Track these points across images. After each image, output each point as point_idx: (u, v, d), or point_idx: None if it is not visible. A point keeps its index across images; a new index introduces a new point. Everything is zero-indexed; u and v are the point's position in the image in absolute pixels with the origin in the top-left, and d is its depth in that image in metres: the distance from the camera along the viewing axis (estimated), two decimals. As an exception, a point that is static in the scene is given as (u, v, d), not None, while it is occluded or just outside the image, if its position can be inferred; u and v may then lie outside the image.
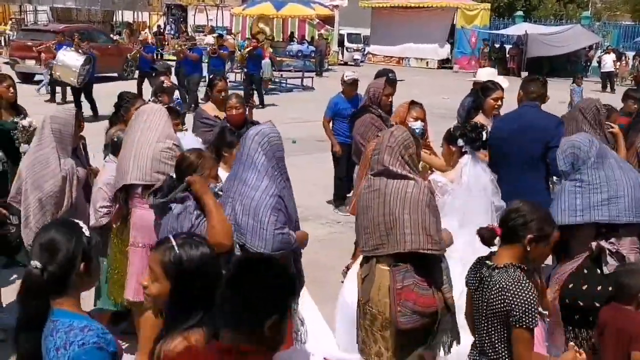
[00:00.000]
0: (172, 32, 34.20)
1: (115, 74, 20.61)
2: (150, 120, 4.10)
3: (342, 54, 33.26)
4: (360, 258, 3.85)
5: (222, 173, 4.16)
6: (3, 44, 22.93)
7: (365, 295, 3.59)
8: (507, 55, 30.65)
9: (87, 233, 2.24)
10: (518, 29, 30.80)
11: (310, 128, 12.28)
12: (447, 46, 32.58)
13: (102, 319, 3.64)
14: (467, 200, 4.52)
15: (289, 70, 24.47)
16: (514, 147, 4.91)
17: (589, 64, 30.69)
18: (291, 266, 3.55)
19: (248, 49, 17.88)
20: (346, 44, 33.29)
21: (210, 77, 9.54)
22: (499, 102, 5.84)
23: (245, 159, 3.53)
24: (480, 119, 5.54)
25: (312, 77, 23.16)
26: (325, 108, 8.14)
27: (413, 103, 5.63)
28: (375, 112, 5.94)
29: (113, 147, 4.49)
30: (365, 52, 33.50)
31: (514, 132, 4.97)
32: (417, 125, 5.35)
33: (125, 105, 5.09)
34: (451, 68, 31.54)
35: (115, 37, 27.15)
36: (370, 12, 33.83)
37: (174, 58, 17.45)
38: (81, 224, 2.29)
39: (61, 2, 38.89)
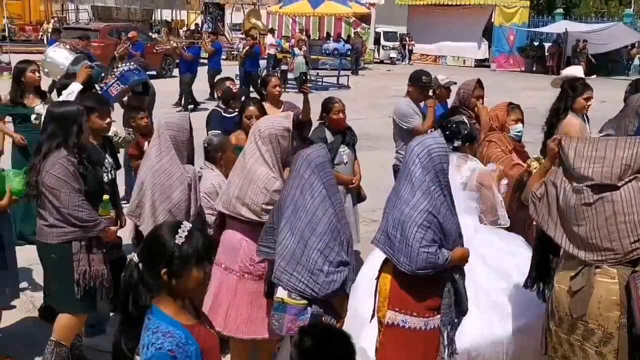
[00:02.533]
0: (210, 31, 34.56)
1: (154, 72, 20.90)
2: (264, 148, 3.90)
3: (378, 52, 33.18)
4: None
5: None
6: (45, 41, 23.39)
7: (581, 309, 3.38)
8: (546, 54, 30.19)
9: (180, 239, 2.24)
10: (558, 26, 30.33)
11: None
12: (485, 44, 32.25)
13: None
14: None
15: (325, 69, 24.49)
16: None
17: (630, 62, 30.06)
18: (445, 284, 3.42)
19: (245, 49, 17.64)
20: (382, 42, 33.18)
21: (263, 75, 9.41)
22: (589, 102, 5.67)
23: (403, 171, 3.43)
24: (571, 119, 5.39)
25: (348, 76, 23.13)
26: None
27: (511, 105, 5.43)
28: (466, 114, 5.63)
29: (206, 153, 4.59)
30: (410, 50, 33.27)
31: None
32: (518, 127, 5.21)
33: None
34: (489, 67, 31.20)
35: (154, 35, 27.51)
36: (407, 9, 33.66)
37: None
38: (185, 225, 2.29)
39: (101, 0, 39.58)
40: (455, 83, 7.01)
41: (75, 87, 5.78)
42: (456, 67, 30.33)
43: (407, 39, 32.99)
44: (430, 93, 6.42)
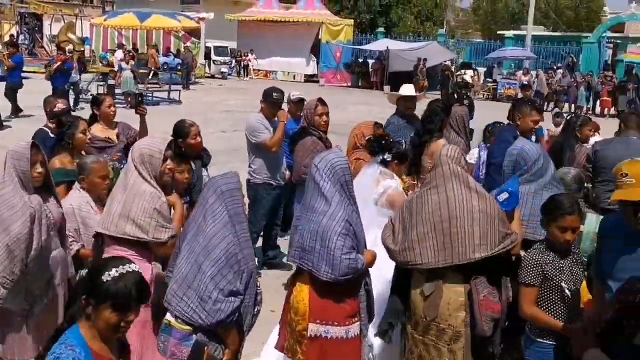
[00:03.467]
0: (27, 42, 32.28)
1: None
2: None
3: (209, 66, 32.97)
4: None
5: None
6: None
7: (433, 312, 3.59)
8: (371, 70, 31.78)
9: (108, 277, 2.30)
10: (380, 44, 32.08)
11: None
12: (313, 60, 33.25)
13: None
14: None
15: (155, 83, 23.86)
16: None
17: (450, 78, 32.48)
18: (360, 289, 3.63)
19: (56, 64, 16.70)
20: (213, 56, 33.03)
21: (96, 94, 8.76)
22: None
23: (312, 187, 3.63)
24: (441, 142, 5.56)
25: (179, 90, 22.72)
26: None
27: (377, 124, 5.63)
28: (316, 134, 5.79)
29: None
30: (247, 66, 33.23)
31: None
32: None
33: (68, 132, 4.82)
34: (318, 82, 32.19)
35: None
36: (236, 24, 33.83)
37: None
38: (131, 266, 2.37)
39: None
40: (306, 99, 7.12)
41: None
42: (287, 82, 30.93)
43: (244, 54, 33.02)
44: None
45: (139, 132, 5.72)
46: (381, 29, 37.39)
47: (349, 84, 32.29)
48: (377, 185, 4.62)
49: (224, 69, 32.68)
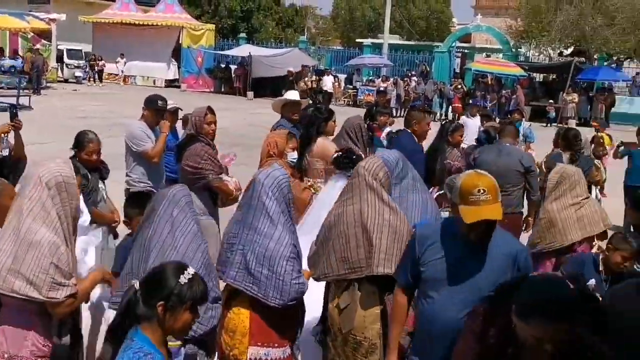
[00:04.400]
0: None
1: None
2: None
3: (62, 70, 31.23)
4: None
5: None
6: None
7: (349, 324, 3.60)
8: (234, 75, 31.61)
9: (185, 279, 2.44)
10: (242, 50, 31.98)
11: (36, 154, 11.23)
12: (174, 65, 32.53)
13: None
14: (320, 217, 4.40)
15: (1, 88, 22.20)
16: None
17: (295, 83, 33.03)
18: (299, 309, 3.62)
19: None
20: (66, 60, 31.29)
21: None
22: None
23: (255, 205, 3.45)
24: (323, 141, 5.80)
25: (30, 96, 21.31)
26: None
27: (290, 133, 5.69)
28: (204, 141, 5.70)
29: None
30: (101, 71, 31.61)
31: None
32: (294, 155, 5.64)
33: None
34: (179, 87, 31.52)
35: None
36: (91, 27, 32.34)
37: None
38: (190, 270, 2.49)
39: None
40: (182, 109, 7.08)
41: None
42: (146, 87, 29.98)
43: (98, 58, 31.40)
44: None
45: (14, 147, 5.44)
46: (243, 35, 37.35)
47: (212, 90, 31.91)
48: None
49: (79, 73, 31.04)
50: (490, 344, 2.49)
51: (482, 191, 2.95)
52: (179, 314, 2.42)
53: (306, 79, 28.88)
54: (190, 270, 2.48)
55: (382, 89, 21.42)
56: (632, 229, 5.67)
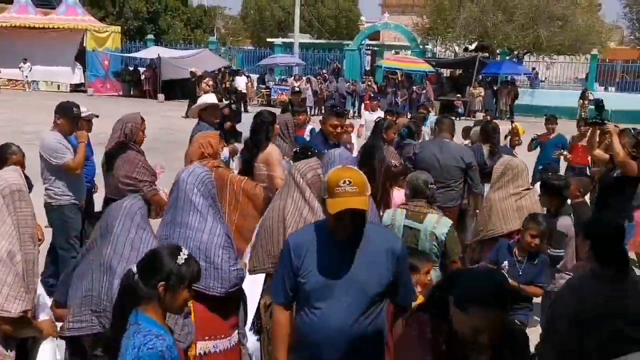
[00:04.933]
0: None
1: None
2: None
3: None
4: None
5: None
6: None
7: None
8: (143, 78, 30.79)
9: (182, 260, 2.64)
10: (150, 52, 31.17)
11: None
12: (80, 69, 31.36)
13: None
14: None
15: None
16: None
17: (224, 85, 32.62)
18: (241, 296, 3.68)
19: None
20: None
21: None
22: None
23: (182, 203, 3.49)
24: (272, 148, 5.85)
25: None
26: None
27: (221, 135, 5.86)
28: (135, 148, 5.59)
29: None
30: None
31: None
32: (226, 154, 6.06)
33: None
34: (85, 91, 30.39)
35: None
36: (-13, 31, 30.70)
37: None
38: (184, 251, 2.70)
39: None
40: (97, 116, 6.86)
41: None
42: (51, 92, 28.76)
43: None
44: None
45: None
46: (150, 37, 36.39)
47: (121, 93, 31.00)
48: None
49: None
50: (442, 351, 2.48)
51: (347, 182, 2.88)
52: (179, 292, 2.61)
53: (219, 78, 28.48)
54: (185, 252, 2.68)
55: (297, 88, 21.41)
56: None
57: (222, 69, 29.09)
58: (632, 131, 6.50)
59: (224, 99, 14.79)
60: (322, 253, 3.01)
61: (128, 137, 5.63)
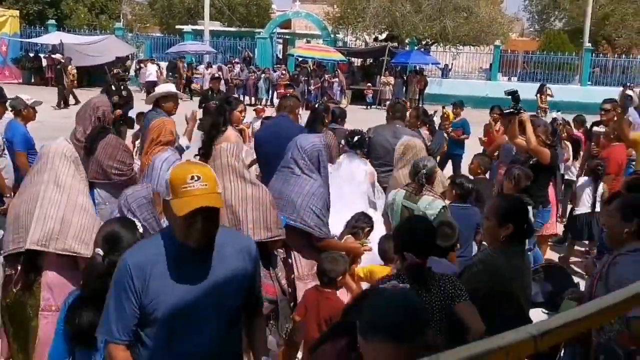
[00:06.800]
0: None
1: None
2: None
3: None
4: None
5: None
6: None
7: None
8: (45, 65, 29.42)
9: (140, 230, 2.95)
10: (52, 37, 29.81)
11: None
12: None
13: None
14: (341, 190, 5.40)
15: None
16: None
17: (127, 73, 31.62)
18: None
19: None
20: None
21: None
22: (244, 114, 7.03)
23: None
24: (230, 132, 6.19)
25: None
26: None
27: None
28: (113, 132, 5.75)
29: None
30: None
31: None
32: (185, 142, 6.23)
33: None
34: (-18, 79, 28.76)
35: None
36: None
37: None
38: (136, 221, 3.01)
39: None
40: (42, 102, 7.06)
41: None
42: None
43: None
44: None
45: None
46: (52, 22, 34.74)
47: (21, 81, 29.52)
48: (358, 169, 5.91)
49: None
50: None
51: (196, 178, 2.46)
52: None
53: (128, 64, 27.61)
54: (137, 223, 2.99)
55: (216, 75, 20.97)
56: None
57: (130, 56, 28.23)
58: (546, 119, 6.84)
59: (113, 86, 14.64)
60: (171, 268, 2.53)
61: (102, 120, 5.80)
